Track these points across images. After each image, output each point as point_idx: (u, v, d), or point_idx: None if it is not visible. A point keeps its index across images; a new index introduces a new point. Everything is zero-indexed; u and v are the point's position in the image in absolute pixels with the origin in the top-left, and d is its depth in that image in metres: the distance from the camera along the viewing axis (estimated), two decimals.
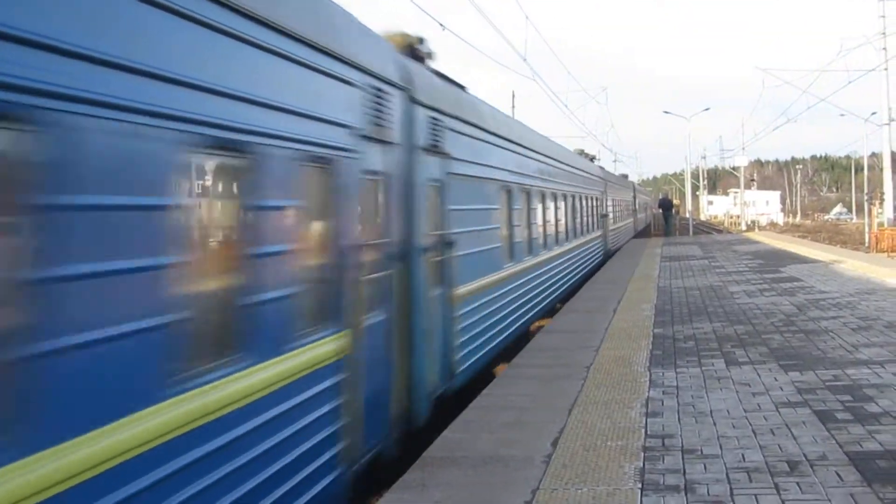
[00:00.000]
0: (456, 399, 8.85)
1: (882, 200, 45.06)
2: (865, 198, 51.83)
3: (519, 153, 13.32)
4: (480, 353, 9.99)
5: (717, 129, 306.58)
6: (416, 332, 7.52)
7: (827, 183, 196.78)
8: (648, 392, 8.11)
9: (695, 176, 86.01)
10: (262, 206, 4.62)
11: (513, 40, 53.59)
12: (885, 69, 41.44)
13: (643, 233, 55.38)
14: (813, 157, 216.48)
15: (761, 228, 70.49)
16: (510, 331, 11.93)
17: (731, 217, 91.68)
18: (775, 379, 8.46)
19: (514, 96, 50.83)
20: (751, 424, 6.82)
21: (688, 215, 63.68)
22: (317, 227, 5.63)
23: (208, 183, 4.43)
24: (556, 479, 5.65)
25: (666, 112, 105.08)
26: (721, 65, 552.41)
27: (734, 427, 6.77)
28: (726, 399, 7.73)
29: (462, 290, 9.03)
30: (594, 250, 25.06)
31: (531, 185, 14.14)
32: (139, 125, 3.42)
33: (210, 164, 4.34)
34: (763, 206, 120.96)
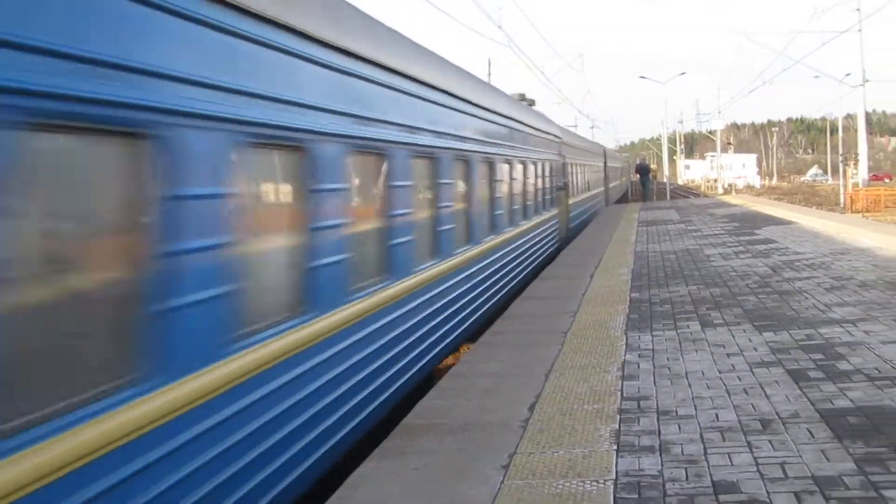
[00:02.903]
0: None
1: (857, 161, 45.49)
2: (840, 159, 52.24)
3: (358, 75, 6.80)
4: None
5: (694, 93, 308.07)
6: None
7: (803, 145, 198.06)
8: (625, 356, 8.19)
9: (672, 141, 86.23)
10: None
11: (487, 7, 53.20)
12: (860, 30, 41.64)
13: (620, 202, 55.46)
14: (789, 120, 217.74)
15: (738, 191, 70.93)
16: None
17: (709, 181, 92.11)
18: (749, 340, 8.56)
19: (490, 64, 50.55)
20: (725, 385, 6.90)
21: (665, 180, 63.95)
22: None
23: None
24: (533, 444, 5.71)
25: (642, 77, 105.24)
26: (697, 29, 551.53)
27: (708, 388, 6.85)
28: (701, 360, 7.81)
29: None
30: (543, 240, 18.59)
31: (391, 143, 7.58)
32: None
33: None
34: (740, 169, 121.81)
